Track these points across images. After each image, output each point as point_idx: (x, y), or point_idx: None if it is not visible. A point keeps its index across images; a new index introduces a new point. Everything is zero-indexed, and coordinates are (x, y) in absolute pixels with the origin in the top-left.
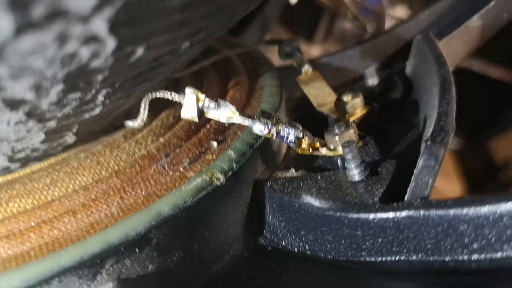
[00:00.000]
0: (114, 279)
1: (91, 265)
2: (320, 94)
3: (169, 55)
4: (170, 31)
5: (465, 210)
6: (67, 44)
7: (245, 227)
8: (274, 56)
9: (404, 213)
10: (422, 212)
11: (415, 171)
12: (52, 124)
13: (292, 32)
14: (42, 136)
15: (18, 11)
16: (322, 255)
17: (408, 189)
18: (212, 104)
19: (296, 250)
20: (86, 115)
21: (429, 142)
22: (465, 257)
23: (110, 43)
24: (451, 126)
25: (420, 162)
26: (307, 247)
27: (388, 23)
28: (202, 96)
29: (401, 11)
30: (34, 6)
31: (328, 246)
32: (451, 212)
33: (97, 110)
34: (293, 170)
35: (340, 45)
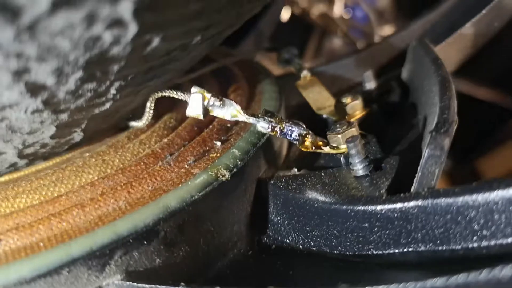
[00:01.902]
0: (122, 271)
1: (100, 256)
2: (319, 98)
3: (180, 50)
4: (186, 22)
5: (474, 197)
6: (94, 26)
7: (249, 225)
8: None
9: (412, 203)
10: (430, 201)
11: (421, 161)
12: (64, 116)
13: None
14: (53, 130)
15: None
16: (328, 251)
17: (415, 180)
18: (217, 103)
19: (301, 247)
20: (96, 110)
21: (434, 133)
22: (475, 244)
23: (132, 29)
24: (454, 118)
25: (426, 152)
26: (312, 243)
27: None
28: (208, 94)
29: (388, 31)
30: None
31: (334, 241)
32: (460, 199)
33: (107, 105)
34: (295, 169)
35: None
